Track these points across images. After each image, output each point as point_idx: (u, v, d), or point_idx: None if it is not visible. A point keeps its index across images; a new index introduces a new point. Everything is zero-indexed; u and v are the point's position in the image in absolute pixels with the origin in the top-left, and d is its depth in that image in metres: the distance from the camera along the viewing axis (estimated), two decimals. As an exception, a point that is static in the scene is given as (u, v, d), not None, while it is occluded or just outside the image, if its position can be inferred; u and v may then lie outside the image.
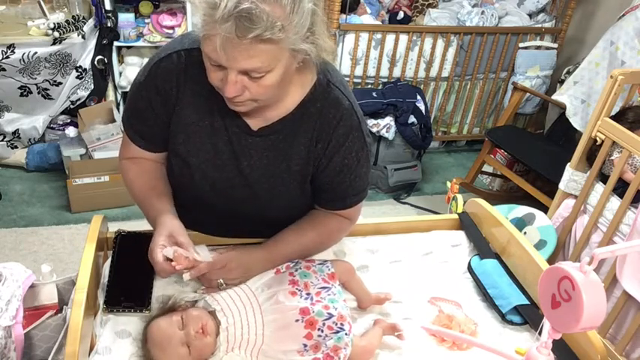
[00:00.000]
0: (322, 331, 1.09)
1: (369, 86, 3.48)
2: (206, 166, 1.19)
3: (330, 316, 1.10)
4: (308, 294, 1.14)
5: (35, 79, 2.95)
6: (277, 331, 1.10)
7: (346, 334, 1.09)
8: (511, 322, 1.28)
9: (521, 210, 2.37)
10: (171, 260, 1.09)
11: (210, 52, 0.96)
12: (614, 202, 2.08)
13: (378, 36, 3.34)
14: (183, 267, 1.09)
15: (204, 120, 1.16)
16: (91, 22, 3.03)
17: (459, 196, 2.30)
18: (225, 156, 1.18)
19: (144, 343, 1.09)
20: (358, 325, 1.21)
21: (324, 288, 1.16)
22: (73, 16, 2.96)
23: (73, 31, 2.92)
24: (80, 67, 3.05)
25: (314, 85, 1.14)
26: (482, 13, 3.53)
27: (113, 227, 1.32)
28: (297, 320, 1.09)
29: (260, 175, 1.19)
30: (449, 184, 2.51)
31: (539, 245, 2.25)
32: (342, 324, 1.10)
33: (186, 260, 1.09)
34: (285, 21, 0.92)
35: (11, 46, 2.80)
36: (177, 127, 1.18)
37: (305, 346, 1.08)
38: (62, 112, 3.19)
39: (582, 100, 2.92)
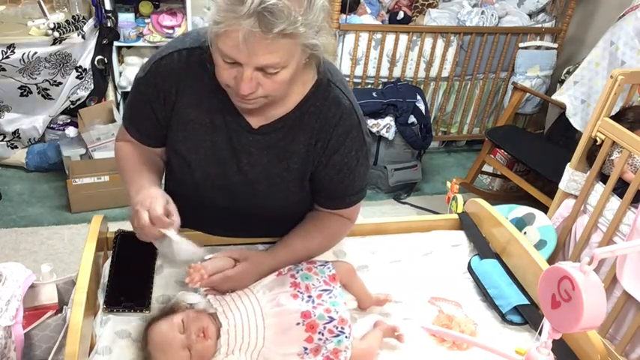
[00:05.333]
0: (323, 334, 1.09)
1: (369, 86, 3.48)
2: (206, 164, 1.19)
3: (331, 319, 1.10)
4: (309, 296, 1.14)
5: (35, 79, 2.94)
6: (278, 334, 1.10)
7: (346, 337, 1.09)
8: (511, 322, 1.28)
9: (521, 210, 2.37)
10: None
11: (229, 48, 0.95)
12: (614, 202, 2.08)
13: (378, 36, 3.33)
14: (195, 283, 1.09)
15: (205, 118, 1.16)
16: (91, 22, 3.03)
17: (459, 196, 2.30)
18: (225, 153, 1.18)
19: (144, 345, 1.08)
20: (358, 326, 1.21)
21: (325, 290, 1.16)
22: (73, 16, 2.96)
23: (73, 31, 2.91)
24: (80, 67, 3.05)
25: (314, 83, 1.14)
26: (482, 13, 3.53)
27: (113, 227, 1.31)
28: (298, 324, 1.09)
29: (259, 173, 1.19)
30: (449, 184, 2.50)
31: (539, 245, 2.25)
32: (342, 327, 1.10)
33: (200, 276, 1.09)
34: (303, 16, 0.94)
35: (11, 46, 2.80)
36: (177, 126, 1.18)
37: (305, 349, 1.08)
38: (62, 112, 3.18)
39: (582, 100, 2.92)
